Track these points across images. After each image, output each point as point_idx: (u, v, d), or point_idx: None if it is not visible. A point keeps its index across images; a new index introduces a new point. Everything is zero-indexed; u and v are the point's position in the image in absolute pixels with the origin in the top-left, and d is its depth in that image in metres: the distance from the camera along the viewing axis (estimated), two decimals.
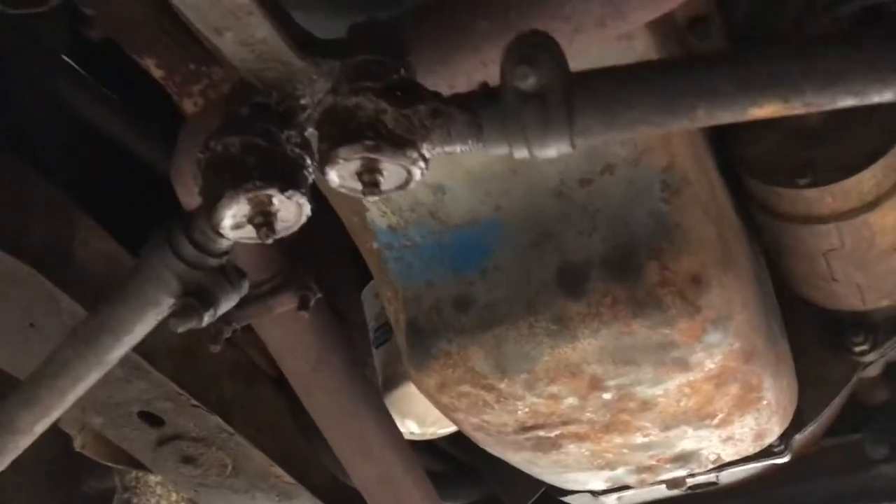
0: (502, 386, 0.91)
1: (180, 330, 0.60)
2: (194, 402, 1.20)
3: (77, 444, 1.35)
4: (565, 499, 1.33)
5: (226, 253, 0.61)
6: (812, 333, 1.19)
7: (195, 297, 0.60)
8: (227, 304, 0.62)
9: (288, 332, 1.07)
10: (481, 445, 1.08)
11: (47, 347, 1.03)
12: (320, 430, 1.18)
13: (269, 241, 0.55)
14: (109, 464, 1.38)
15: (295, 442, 1.40)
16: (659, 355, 0.86)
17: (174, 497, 2.00)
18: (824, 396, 1.19)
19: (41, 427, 0.72)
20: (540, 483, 1.33)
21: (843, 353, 1.17)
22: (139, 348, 1.10)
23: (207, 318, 0.60)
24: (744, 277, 0.89)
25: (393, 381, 1.29)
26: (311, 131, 0.56)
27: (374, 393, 1.19)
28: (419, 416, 1.32)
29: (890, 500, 1.30)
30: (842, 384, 1.19)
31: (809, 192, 0.93)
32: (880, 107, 0.60)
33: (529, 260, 0.87)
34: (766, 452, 1.14)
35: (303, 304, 1.01)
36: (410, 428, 1.33)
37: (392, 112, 0.51)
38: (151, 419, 1.23)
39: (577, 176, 0.84)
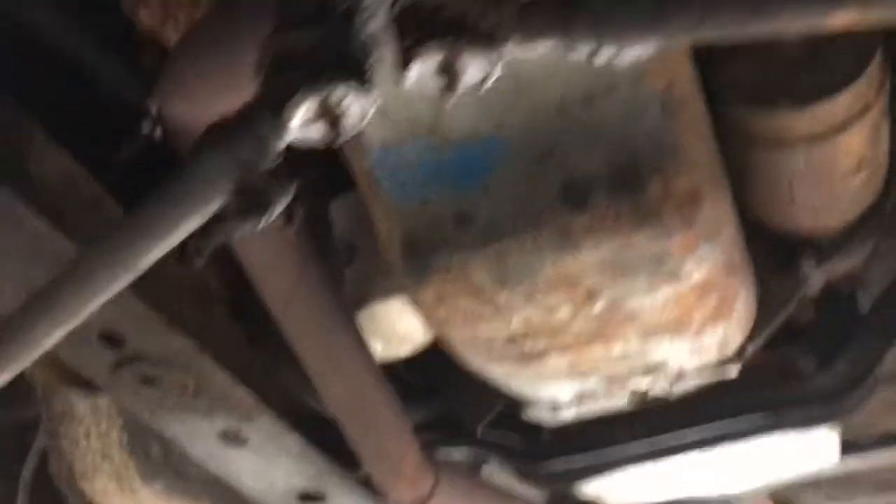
0: (501, 298, 0.93)
1: (238, 235, 0.58)
2: (159, 322, 1.17)
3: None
4: (524, 413, 1.39)
5: (281, 154, 0.60)
6: (762, 254, 1.26)
7: (250, 200, 0.59)
8: (278, 208, 0.61)
9: (268, 248, 1.06)
10: (462, 359, 1.11)
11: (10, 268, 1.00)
12: (293, 347, 1.18)
13: (337, 142, 0.55)
14: (60, 385, 1.33)
15: (253, 364, 1.40)
16: (653, 267, 0.91)
17: (103, 426, 1.95)
18: (772, 312, 1.27)
19: (54, 339, 0.70)
20: (498, 400, 1.38)
21: (790, 273, 1.25)
22: None
23: (263, 222, 0.59)
24: (728, 196, 0.94)
25: (362, 300, 1.29)
26: (379, 26, 0.55)
27: (348, 311, 1.20)
28: (385, 337, 1.33)
29: (819, 405, 1.40)
30: (788, 301, 1.27)
31: (786, 114, 0.98)
32: (854, 34, 0.64)
33: (532, 176, 0.88)
34: (721, 364, 1.22)
35: (289, 220, 0.99)
36: (375, 348, 1.35)
37: (479, 7, 0.51)
38: (111, 340, 1.20)
39: (579, 94, 0.86)
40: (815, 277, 1.26)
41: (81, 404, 1.85)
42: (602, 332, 1.02)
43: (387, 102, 0.89)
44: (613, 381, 1.18)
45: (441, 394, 1.42)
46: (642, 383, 1.20)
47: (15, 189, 0.96)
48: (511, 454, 1.54)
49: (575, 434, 1.54)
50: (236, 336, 1.37)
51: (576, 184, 0.87)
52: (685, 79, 0.88)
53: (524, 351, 1.04)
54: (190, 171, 0.60)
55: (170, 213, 0.61)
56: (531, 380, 1.14)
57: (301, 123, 0.55)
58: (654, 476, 1.68)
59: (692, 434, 1.50)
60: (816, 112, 0.97)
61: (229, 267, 1.40)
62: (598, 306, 0.96)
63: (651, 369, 1.15)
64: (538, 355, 1.06)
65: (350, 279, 1.31)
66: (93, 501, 2.00)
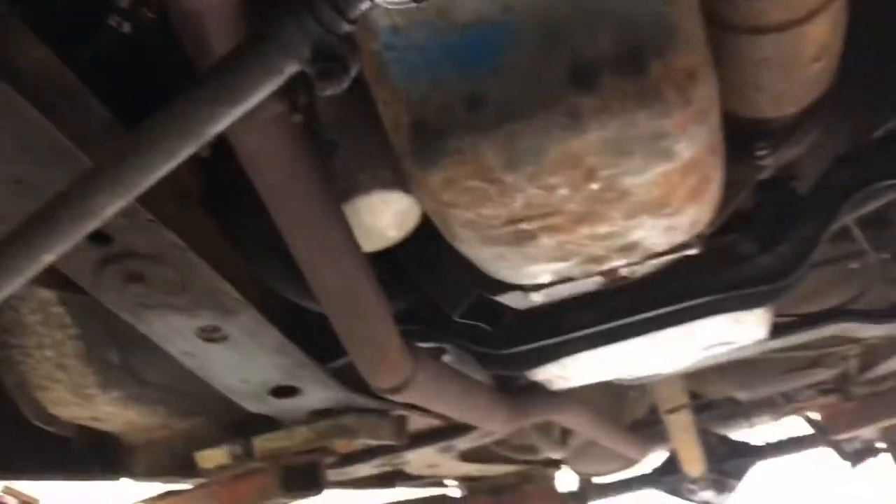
0: (509, 178, 0.98)
1: (327, 93, 0.61)
2: (150, 216, 1.17)
3: None
4: (498, 298, 1.46)
5: (358, 19, 0.62)
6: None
7: (327, 61, 0.61)
8: (354, 73, 0.64)
9: (266, 138, 1.07)
10: (457, 242, 1.16)
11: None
12: (288, 240, 1.20)
13: (422, 3, 0.58)
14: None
15: (234, 261, 1.41)
16: (650, 146, 0.97)
17: (58, 335, 1.93)
18: (729, 196, 1.36)
19: (114, 210, 0.71)
20: (474, 288, 1.45)
21: (746, 159, 1.35)
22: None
23: (345, 83, 0.62)
24: (716, 78, 1.01)
25: (342, 195, 1.32)
26: None
27: (338, 204, 1.22)
28: (366, 230, 1.36)
29: (763, 286, 1.53)
30: (744, 186, 1.37)
31: (760, 3, 1.05)
32: None
33: (541, 59, 0.93)
34: (685, 244, 1.31)
35: (293, 107, 1.01)
36: None
37: None
38: (100, 238, 1.19)
39: None
40: (769, 163, 1.36)
41: (31, 315, 1.83)
42: (592, 211, 1.08)
43: None
44: (591, 262, 1.25)
45: (419, 283, 1.47)
46: (616, 263, 1.28)
47: (8, 80, 0.94)
48: (475, 340, 1.62)
49: (536, 321, 1.63)
50: (215, 233, 1.38)
51: (583, 66, 0.92)
52: None
53: (519, 232, 1.10)
54: (270, 37, 0.61)
55: (244, 79, 0.63)
56: (518, 262, 1.20)
57: None
58: (600, 359, 1.80)
59: (644, 319, 1.61)
60: (786, 2, 1.04)
61: (203, 166, 1.40)
62: (595, 186, 1.03)
63: (627, 249, 1.23)
64: (531, 236, 1.12)
65: (331, 174, 1.33)
66: (48, 411, 1.99)
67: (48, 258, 0.74)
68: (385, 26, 0.93)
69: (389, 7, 0.59)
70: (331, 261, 1.21)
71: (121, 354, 1.87)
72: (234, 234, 1.40)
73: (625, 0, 0.91)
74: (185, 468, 2.27)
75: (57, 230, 0.71)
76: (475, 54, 0.94)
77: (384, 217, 1.36)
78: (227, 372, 1.51)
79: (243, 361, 1.49)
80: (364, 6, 0.61)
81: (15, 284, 0.75)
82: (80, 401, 1.95)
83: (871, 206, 1.52)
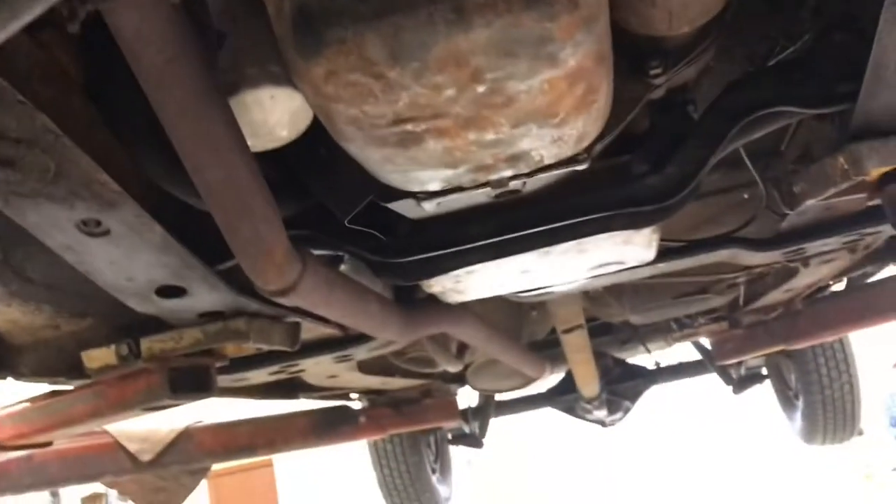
0: (392, 74, 0.96)
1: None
2: (20, 97, 1.11)
3: None
4: (390, 205, 1.46)
5: None
6: (615, 57, 1.36)
7: None
8: None
9: (146, 18, 1.02)
10: (344, 141, 1.14)
11: None
12: (168, 130, 1.16)
13: None
14: None
15: (115, 151, 1.36)
16: (536, 49, 0.97)
17: None
18: (619, 114, 1.38)
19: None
20: (366, 194, 1.44)
21: (638, 76, 1.36)
22: None
23: None
24: None
25: (231, 89, 1.27)
26: None
27: (223, 96, 1.18)
28: (254, 127, 1.33)
29: (650, 203, 1.56)
30: (635, 103, 1.38)
31: None
32: None
33: None
34: (574, 159, 1.33)
35: None
36: None
37: None
38: None
39: None
40: (661, 83, 1.37)
41: None
42: (479, 116, 1.08)
43: None
44: (479, 171, 1.26)
45: (311, 186, 1.45)
46: (504, 174, 1.29)
47: None
48: (370, 249, 1.62)
49: (430, 231, 1.64)
50: (96, 121, 1.32)
51: None
52: None
53: (405, 133, 1.09)
54: None
55: None
56: (405, 165, 1.19)
57: None
58: (493, 273, 1.83)
59: (534, 233, 1.64)
60: None
61: (84, 48, 1.33)
62: (481, 88, 1.02)
63: (514, 159, 1.24)
64: (417, 139, 1.11)
65: (219, 67, 1.28)
66: None
67: None
68: None
69: None
70: (213, 154, 1.18)
71: (2, 249, 1.80)
72: (117, 123, 1.34)
73: None
74: (74, 369, 2.23)
75: None
76: None
77: (274, 114, 1.33)
78: (109, 268, 1.47)
79: (126, 258, 1.45)
80: None
81: None
82: None
83: (762, 132, 1.56)
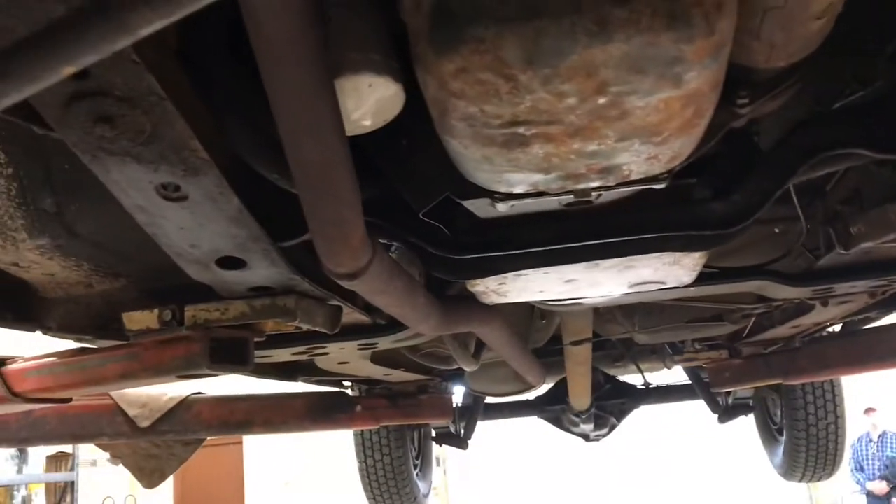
0: (523, 77, 0.98)
1: None
2: (135, 57, 1.12)
3: None
4: (464, 202, 1.48)
5: None
6: None
7: None
8: None
9: None
10: (448, 135, 1.15)
11: None
12: (274, 104, 1.17)
13: None
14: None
15: (204, 118, 1.37)
16: (665, 69, 0.99)
17: None
18: (704, 137, 1.40)
19: (149, 30, 0.68)
20: (443, 187, 1.46)
21: (724, 104, 1.39)
22: None
23: None
24: (736, 15, 1.03)
25: (334, 71, 1.29)
26: None
27: (331, 78, 1.19)
28: (347, 112, 1.34)
29: (712, 228, 1.59)
30: (717, 130, 1.41)
31: None
32: None
33: None
34: (656, 177, 1.35)
35: None
36: None
37: None
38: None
39: None
40: (746, 112, 1.40)
41: None
42: (590, 126, 1.10)
43: None
44: (569, 178, 1.28)
45: (391, 175, 1.46)
46: (591, 184, 1.31)
47: None
48: (432, 243, 1.64)
49: (491, 231, 1.66)
50: (189, 88, 1.33)
51: None
52: None
53: (515, 135, 1.11)
54: None
55: None
56: (502, 166, 1.21)
57: None
58: (539, 279, 1.85)
59: (593, 245, 1.66)
60: None
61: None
62: (602, 100, 1.04)
63: (606, 171, 1.26)
64: (523, 142, 1.13)
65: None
66: None
67: (68, 70, 0.70)
68: None
69: None
70: (315, 134, 1.19)
71: (56, 202, 1.81)
72: (208, 91, 1.35)
73: None
74: (100, 329, 2.24)
75: (86, 40, 0.67)
76: None
77: (366, 102, 1.34)
78: (178, 234, 1.48)
79: (197, 226, 1.46)
80: None
81: (25, 93, 0.72)
82: (5, 243, 1.88)
83: (827, 170, 1.59)
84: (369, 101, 1.34)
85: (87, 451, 11.43)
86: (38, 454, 11.71)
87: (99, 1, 0.65)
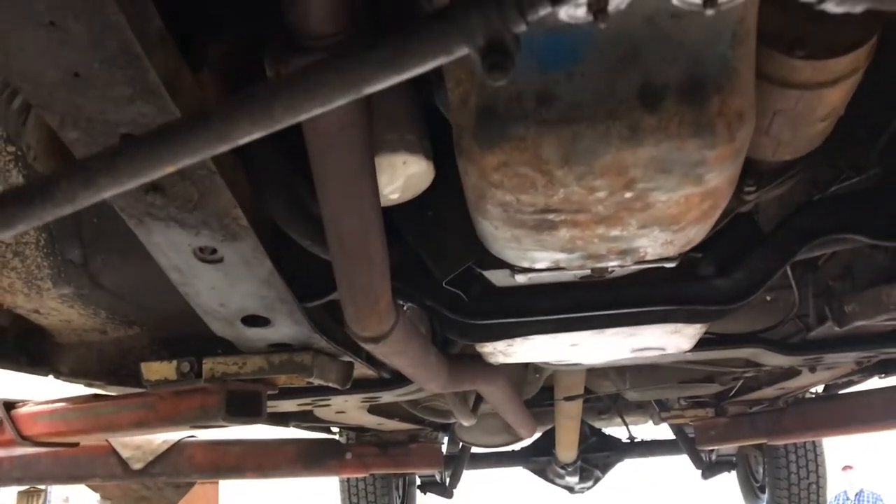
0: (559, 173, 1.07)
1: (498, 83, 0.67)
2: None
3: (30, 157, 1.27)
4: (485, 272, 1.55)
5: (533, 21, 0.69)
6: None
7: (499, 55, 0.68)
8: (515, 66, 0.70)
9: None
10: (480, 216, 1.24)
11: (69, 54, 0.99)
12: (319, 184, 1.24)
13: (603, 25, 0.65)
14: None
15: (243, 185, 1.44)
16: (689, 169, 1.08)
17: None
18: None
19: (249, 139, 0.75)
20: (466, 258, 1.54)
21: (734, 191, 1.48)
22: (162, 74, 1.10)
23: (509, 77, 0.68)
24: (754, 121, 1.12)
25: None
26: None
27: (372, 155, 1.28)
28: (380, 186, 1.42)
29: (715, 304, 1.68)
30: (728, 214, 1.50)
31: (799, 62, 1.17)
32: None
33: (615, 73, 1.01)
34: (669, 258, 1.44)
35: None
36: None
37: None
38: None
39: (671, 9, 0.99)
40: (752, 199, 1.50)
41: None
42: (615, 215, 1.19)
43: None
44: (590, 258, 1.36)
45: (416, 244, 1.54)
46: (610, 263, 1.39)
47: None
48: (449, 307, 1.71)
49: (506, 298, 1.73)
50: (233, 160, 1.41)
51: (652, 87, 1.01)
52: (753, 14, 1.03)
53: (545, 221, 1.19)
54: (451, 20, 0.67)
55: (417, 52, 0.69)
56: (529, 246, 1.29)
57: (571, 7, 0.65)
58: (545, 343, 1.93)
59: (603, 315, 1.74)
60: (824, 66, 1.17)
61: (227, 86, 1.42)
62: (629, 194, 1.13)
63: (625, 252, 1.35)
64: (552, 226, 1.21)
65: None
66: None
67: (170, 169, 0.77)
68: None
69: (566, 19, 0.67)
70: (354, 209, 1.27)
71: (83, 253, 1.87)
72: (250, 162, 1.43)
73: (701, 36, 1.00)
74: (112, 374, 2.28)
75: (191, 146, 0.75)
76: (556, 57, 1.01)
77: (399, 178, 1.43)
78: (209, 293, 1.54)
79: (229, 286, 1.52)
80: (543, 11, 0.68)
81: (128, 186, 0.79)
82: (30, 291, 1.93)
83: (824, 251, 1.69)
84: (402, 177, 1.43)
85: (60, 488, 11.24)
86: (10, 489, 11.50)
87: (204, 114, 0.73)
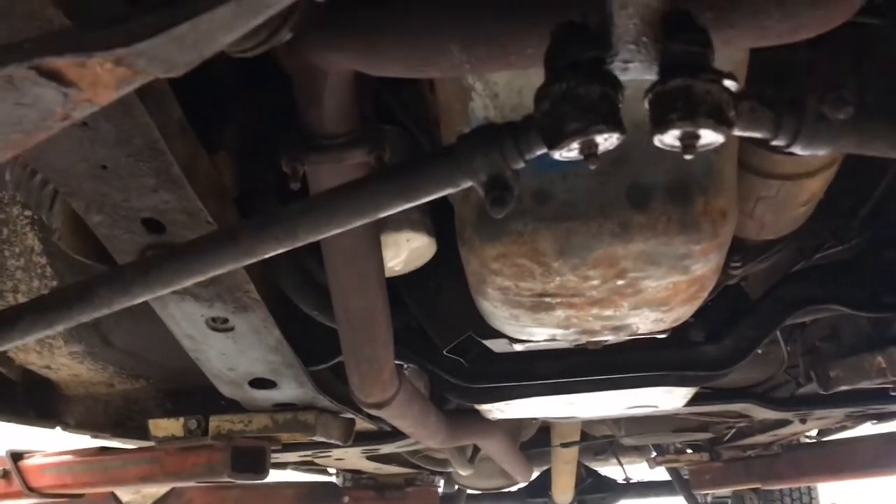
0: (555, 264, 1.14)
1: (499, 216, 0.75)
2: (209, 219, 1.27)
3: (55, 236, 1.35)
4: (484, 341, 1.62)
5: (531, 160, 0.77)
6: None
7: (500, 190, 0.75)
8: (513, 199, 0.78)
9: (341, 177, 1.19)
10: (481, 298, 1.31)
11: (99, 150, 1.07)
12: (327, 264, 1.32)
13: (593, 167, 0.73)
14: (78, 258, 1.39)
15: (258, 266, 1.51)
16: (676, 262, 1.15)
17: (36, 284, 1.96)
18: None
19: (271, 254, 0.83)
20: (466, 327, 1.61)
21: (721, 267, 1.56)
22: (183, 162, 1.17)
23: (509, 208, 0.76)
24: (737, 215, 1.20)
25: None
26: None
27: (378, 236, 1.35)
28: (384, 261, 1.50)
29: (704, 370, 1.75)
30: (715, 289, 1.57)
31: (780, 156, 1.25)
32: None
33: (607, 174, 1.09)
34: (660, 331, 1.51)
35: (378, 161, 1.14)
36: None
37: (731, 101, 0.71)
38: (153, 226, 1.27)
39: None
40: (738, 274, 1.57)
41: (13, 259, 1.87)
42: (608, 299, 1.26)
43: (501, 88, 1.07)
44: (585, 333, 1.43)
45: (418, 315, 1.61)
46: (604, 337, 1.46)
47: None
48: (450, 372, 1.78)
49: (503, 363, 1.80)
50: None
51: (640, 188, 1.09)
52: None
53: (542, 303, 1.26)
54: (457, 159, 0.75)
55: (427, 184, 0.77)
56: (527, 323, 1.37)
57: (564, 151, 0.73)
58: (542, 402, 1.99)
59: (597, 380, 1.81)
60: (804, 160, 1.25)
61: (240, 165, 1.50)
62: (621, 282, 1.20)
63: (618, 329, 1.42)
64: (548, 308, 1.28)
65: None
66: (5, 354, 2.02)
67: (199, 279, 0.85)
68: (479, 117, 1.08)
69: (560, 159, 0.74)
70: (360, 286, 1.34)
71: None
72: None
73: None
74: (118, 426, 2.33)
75: (220, 261, 0.82)
76: (552, 159, 1.09)
77: (402, 253, 1.50)
78: (219, 359, 1.61)
79: (238, 353, 1.59)
80: (539, 151, 0.76)
81: (159, 293, 0.86)
82: (42, 349, 2.00)
83: (809, 318, 1.76)
84: (405, 252, 1.50)
85: None
86: None
87: (232, 234, 0.80)
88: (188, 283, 0.84)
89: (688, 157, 0.72)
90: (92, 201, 1.22)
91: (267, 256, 0.83)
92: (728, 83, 0.70)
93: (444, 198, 1.39)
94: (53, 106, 0.60)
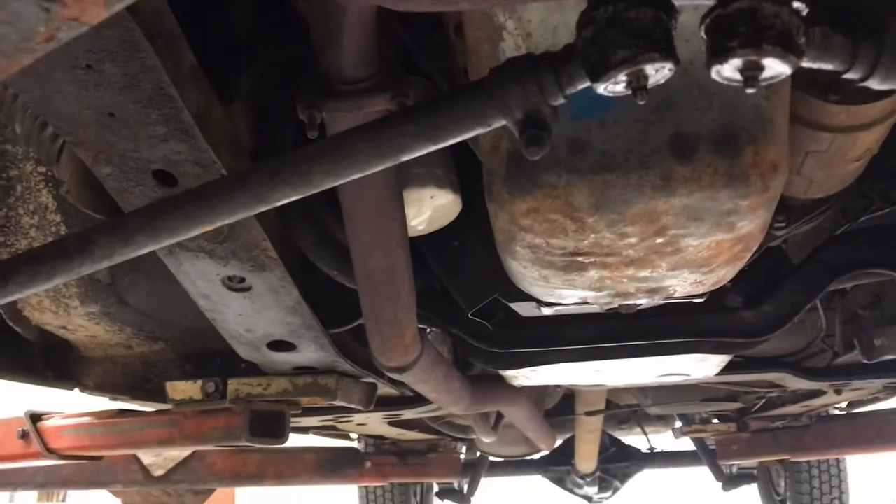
0: (590, 220, 1.06)
1: (535, 157, 0.67)
2: (223, 170, 1.20)
3: (63, 189, 1.29)
4: (511, 304, 1.55)
5: (571, 95, 0.69)
6: None
7: (538, 128, 0.68)
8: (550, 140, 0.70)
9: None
10: (509, 257, 1.23)
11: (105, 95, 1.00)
12: (347, 220, 1.25)
13: (642, 101, 0.65)
14: (87, 212, 1.33)
15: (276, 219, 1.45)
16: (721, 218, 1.07)
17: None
18: None
19: (282, 202, 0.76)
20: (492, 289, 1.54)
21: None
22: (195, 111, 1.10)
23: (547, 149, 0.68)
24: (788, 170, 1.11)
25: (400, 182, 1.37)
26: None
27: (401, 193, 1.28)
28: (407, 219, 1.42)
29: (742, 336, 1.66)
30: (757, 252, 1.49)
31: (834, 106, 1.16)
32: None
33: (648, 122, 1.01)
34: (698, 295, 1.43)
35: (400, 107, 1.06)
36: None
37: (801, 26, 0.62)
38: (164, 179, 1.21)
39: (704, 59, 0.98)
40: (782, 235, 1.48)
41: (27, 217, 1.82)
42: (646, 258, 1.18)
43: (535, 27, 0.98)
44: (618, 296, 1.36)
45: (442, 277, 1.54)
46: (638, 301, 1.39)
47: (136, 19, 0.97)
48: (474, 336, 1.71)
49: (531, 328, 1.73)
50: None
51: (685, 137, 1.01)
52: None
53: (574, 262, 1.19)
54: (489, 95, 0.67)
55: (454, 123, 0.69)
56: (557, 285, 1.29)
57: (610, 84, 0.65)
58: (570, 368, 1.92)
59: (629, 346, 1.73)
60: (858, 111, 1.15)
61: (256, 117, 1.43)
62: (660, 240, 1.12)
63: (654, 291, 1.34)
64: (581, 267, 1.21)
65: None
66: (21, 313, 1.98)
67: (206, 228, 0.78)
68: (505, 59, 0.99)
69: (605, 94, 0.66)
70: (382, 246, 1.27)
71: (110, 273, 1.89)
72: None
73: (732, 87, 0.99)
74: (136, 388, 2.30)
75: (229, 207, 0.75)
76: (589, 105, 1.01)
77: (426, 211, 1.43)
78: (236, 320, 1.55)
79: (256, 314, 1.53)
80: (582, 86, 0.68)
81: (164, 243, 0.80)
82: (58, 309, 1.96)
83: (853, 283, 1.67)
84: (429, 210, 1.43)
85: None
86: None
87: (242, 179, 0.73)
88: (195, 231, 0.77)
89: (750, 90, 0.64)
90: (100, 152, 1.16)
91: (280, 203, 0.76)
92: (798, 4, 0.61)
93: (470, 153, 1.33)
94: (35, 24, 0.53)
